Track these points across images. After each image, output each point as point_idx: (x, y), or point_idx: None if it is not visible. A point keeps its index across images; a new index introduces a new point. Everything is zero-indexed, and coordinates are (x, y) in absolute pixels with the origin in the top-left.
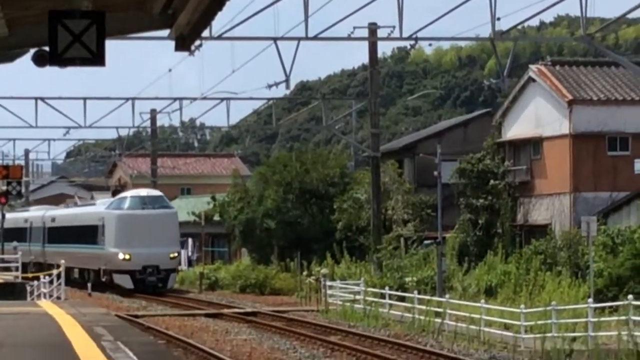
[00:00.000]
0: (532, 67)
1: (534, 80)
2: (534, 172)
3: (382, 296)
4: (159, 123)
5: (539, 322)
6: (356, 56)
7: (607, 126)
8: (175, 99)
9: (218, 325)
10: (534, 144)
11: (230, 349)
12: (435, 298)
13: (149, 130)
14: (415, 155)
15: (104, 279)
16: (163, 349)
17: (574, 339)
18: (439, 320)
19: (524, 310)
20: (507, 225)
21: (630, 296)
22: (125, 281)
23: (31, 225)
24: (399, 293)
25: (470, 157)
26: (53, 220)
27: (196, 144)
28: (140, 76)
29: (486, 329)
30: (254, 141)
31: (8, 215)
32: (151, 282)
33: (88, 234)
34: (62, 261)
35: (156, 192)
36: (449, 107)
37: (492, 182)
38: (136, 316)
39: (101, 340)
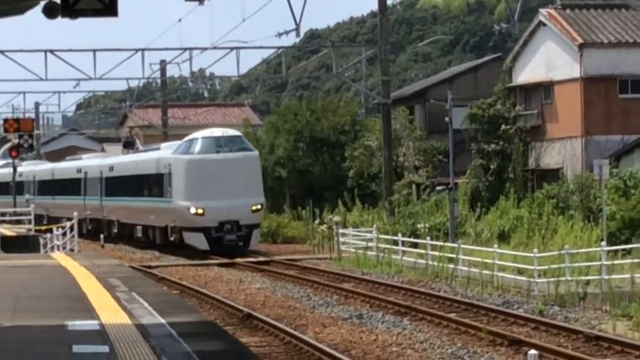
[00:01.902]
0: (542, 10)
1: (544, 24)
2: (545, 116)
3: (395, 243)
4: (168, 74)
5: (552, 266)
6: (365, 3)
7: (618, 69)
8: (185, 49)
9: (232, 275)
10: (545, 88)
11: (244, 297)
12: (448, 244)
13: (159, 81)
14: (425, 102)
15: (172, 238)
16: (177, 299)
17: (587, 282)
18: (452, 266)
19: (537, 255)
20: (519, 170)
21: None
22: (199, 240)
23: (86, 176)
24: (412, 239)
25: (481, 102)
26: (111, 169)
27: (206, 94)
28: (149, 27)
29: (499, 274)
30: (264, 90)
31: (56, 165)
32: (230, 240)
33: (152, 184)
34: (75, 213)
35: (233, 132)
36: (459, 53)
37: (503, 127)
38: (150, 267)
39: (115, 291)
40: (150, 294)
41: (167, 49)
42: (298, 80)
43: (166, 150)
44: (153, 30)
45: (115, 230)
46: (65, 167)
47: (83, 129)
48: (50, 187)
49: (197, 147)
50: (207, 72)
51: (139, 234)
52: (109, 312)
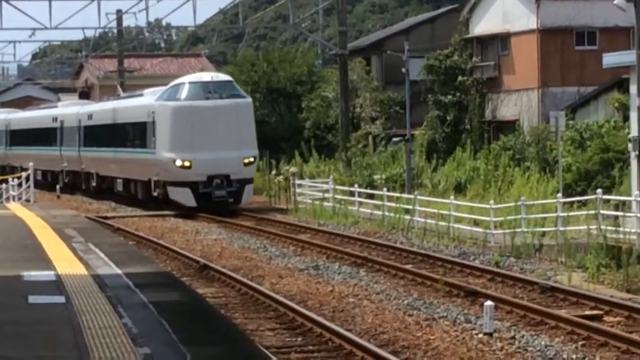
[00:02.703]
0: None
1: None
2: (501, 68)
3: (351, 194)
4: (124, 24)
5: (509, 217)
6: None
7: (574, 21)
8: None
9: (188, 226)
10: (501, 40)
11: (201, 249)
12: (405, 195)
13: (115, 31)
14: (382, 53)
15: (155, 193)
16: (133, 250)
17: (543, 233)
18: (408, 217)
19: (494, 206)
20: (475, 122)
21: (598, 190)
22: (185, 196)
23: (62, 125)
24: (368, 191)
25: (438, 53)
26: (90, 117)
27: (163, 45)
28: None
29: (456, 225)
30: (221, 41)
31: (28, 114)
32: (219, 197)
33: (134, 134)
34: (31, 163)
35: (224, 76)
36: (416, 4)
37: (460, 78)
38: (106, 217)
39: (72, 241)
40: (107, 244)
41: None
42: (255, 31)
43: (149, 97)
44: None
45: (94, 184)
46: (40, 116)
47: (39, 79)
48: (25, 137)
49: (184, 93)
50: (164, 22)
51: (120, 187)
52: (65, 262)
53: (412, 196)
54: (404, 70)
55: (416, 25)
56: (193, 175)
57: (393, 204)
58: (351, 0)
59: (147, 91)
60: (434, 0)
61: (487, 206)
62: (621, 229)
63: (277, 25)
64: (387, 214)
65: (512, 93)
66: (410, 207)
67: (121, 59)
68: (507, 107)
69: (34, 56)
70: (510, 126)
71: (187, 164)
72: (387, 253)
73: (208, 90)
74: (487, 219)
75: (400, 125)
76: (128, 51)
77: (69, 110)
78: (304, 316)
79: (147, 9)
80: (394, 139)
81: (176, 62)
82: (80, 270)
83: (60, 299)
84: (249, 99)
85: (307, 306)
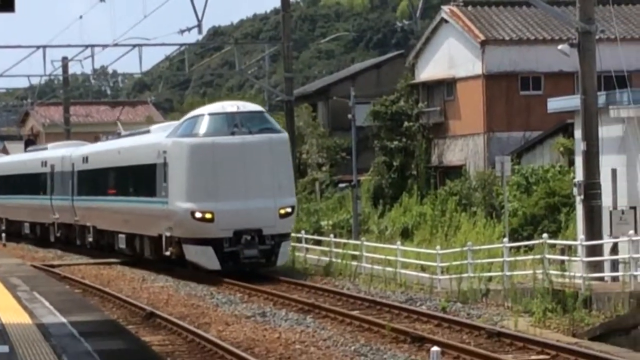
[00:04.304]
0: (445, 7)
1: (446, 21)
2: (447, 113)
3: (299, 240)
4: (70, 71)
5: (455, 262)
6: (268, 0)
7: (519, 66)
8: (86, 46)
9: (135, 273)
10: (447, 85)
11: (147, 296)
12: (352, 241)
13: (61, 78)
14: (329, 99)
15: (167, 253)
16: (79, 298)
17: (489, 278)
18: (355, 263)
19: (440, 252)
20: (421, 167)
21: (544, 235)
22: (206, 257)
23: (53, 170)
24: (315, 237)
25: (384, 99)
26: (85, 160)
27: (109, 92)
28: (51, 23)
29: (403, 271)
30: (167, 87)
31: (15, 158)
32: (250, 257)
33: (140, 179)
34: None
35: (253, 106)
36: (362, 50)
37: (406, 123)
38: (52, 266)
39: (17, 290)
40: (52, 293)
41: (68, 45)
42: (201, 78)
43: (159, 133)
44: (54, 26)
45: (91, 240)
46: (27, 160)
47: None
48: (10, 184)
49: (204, 127)
50: (110, 70)
51: (122, 244)
52: (10, 311)
53: (359, 242)
54: (350, 116)
55: (362, 71)
56: (216, 231)
57: (340, 250)
58: (297, 46)
59: (154, 127)
60: (380, 46)
61: (434, 251)
62: (567, 273)
63: (223, 71)
64: (334, 260)
65: (458, 138)
66: (357, 253)
67: (67, 106)
68: (454, 152)
69: None
70: (456, 171)
71: (208, 216)
72: (334, 299)
73: (234, 123)
74: (434, 264)
75: (346, 171)
76: (74, 98)
77: (61, 152)
78: None
79: (92, 56)
80: (341, 185)
81: (122, 109)
82: (25, 319)
83: (4, 349)
84: (285, 134)
85: (253, 353)
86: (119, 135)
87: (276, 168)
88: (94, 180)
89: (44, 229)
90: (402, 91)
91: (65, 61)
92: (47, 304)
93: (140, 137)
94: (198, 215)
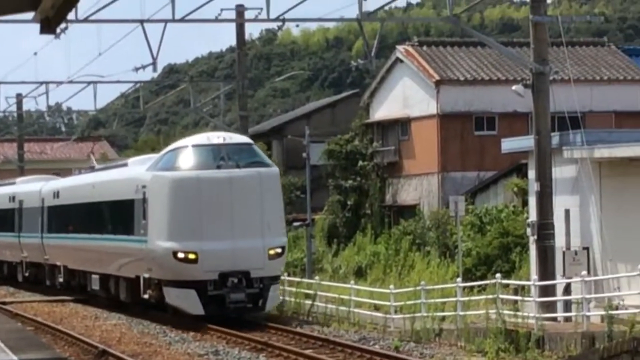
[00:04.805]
0: (400, 47)
1: (401, 61)
2: (402, 153)
3: None
4: (25, 107)
5: (409, 302)
6: (224, 38)
7: (473, 106)
8: (41, 83)
9: (87, 311)
10: (402, 125)
11: (100, 334)
12: (305, 280)
13: (15, 114)
14: (283, 137)
15: (146, 296)
16: (31, 335)
17: (443, 318)
18: (309, 302)
19: (394, 291)
20: (376, 206)
21: (497, 275)
22: (188, 301)
23: (21, 206)
24: None
25: (339, 138)
26: (56, 195)
27: (63, 128)
28: (5, 59)
29: (356, 310)
30: (122, 125)
31: None
32: (236, 301)
33: (116, 216)
34: None
35: (240, 137)
36: (317, 89)
37: (360, 163)
38: (4, 303)
39: None
40: (4, 330)
41: (23, 82)
42: (156, 115)
43: (137, 167)
44: (8, 63)
45: (61, 280)
46: None
47: None
48: None
49: (187, 160)
50: (64, 106)
51: (96, 285)
52: None
53: (312, 281)
54: (304, 154)
55: (317, 110)
56: (200, 273)
57: (294, 289)
58: (253, 84)
59: (132, 160)
60: (336, 85)
61: (387, 291)
62: (520, 313)
63: (179, 109)
64: (287, 299)
65: (412, 178)
66: (311, 292)
67: (21, 143)
68: (408, 192)
69: None
70: (410, 211)
71: (192, 256)
72: (287, 338)
73: (220, 156)
74: (387, 303)
75: (301, 210)
76: (29, 135)
77: (30, 187)
78: None
79: (47, 92)
80: (295, 224)
81: (77, 146)
82: None
83: None
84: (275, 169)
85: None
86: (92, 169)
87: (265, 205)
88: (65, 217)
89: (12, 268)
90: (356, 130)
91: (19, 97)
92: None
93: (117, 170)
94: (181, 255)
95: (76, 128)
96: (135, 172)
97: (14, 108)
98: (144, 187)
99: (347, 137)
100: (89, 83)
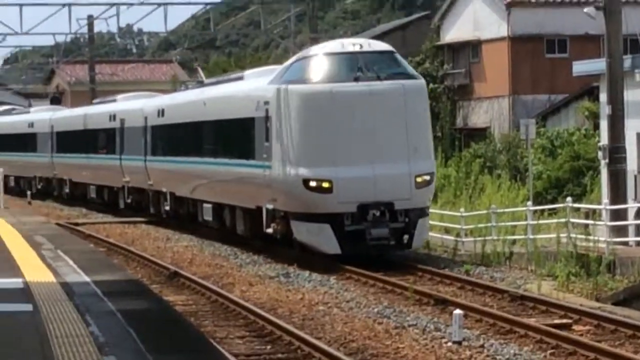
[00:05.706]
0: None
1: None
2: (473, 75)
3: None
4: (96, 29)
5: (479, 225)
6: None
7: (545, 28)
8: (112, 5)
9: (159, 233)
10: (472, 47)
11: (171, 255)
12: None
13: (87, 36)
14: None
15: (270, 230)
16: (103, 257)
17: (513, 241)
18: None
19: (464, 214)
20: (446, 129)
21: (568, 198)
22: (322, 237)
23: (122, 125)
24: None
25: (410, 60)
26: (161, 114)
27: (134, 50)
28: None
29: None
30: (193, 47)
31: (78, 111)
32: (378, 237)
33: (233, 137)
34: (1, 169)
35: (380, 45)
36: (388, 11)
37: (431, 85)
38: (77, 224)
39: (41, 249)
40: (76, 251)
41: (94, 4)
42: (227, 37)
43: (257, 80)
44: None
45: (167, 208)
46: (94, 113)
47: (10, 84)
48: (73, 141)
49: (319, 70)
50: (135, 28)
51: (208, 216)
52: (34, 270)
53: None
54: None
55: (388, 32)
56: (335, 204)
57: None
58: (323, 6)
59: (249, 72)
60: (406, 7)
61: (458, 214)
62: (591, 237)
63: (249, 31)
64: None
65: (483, 100)
66: None
67: (92, 64)
68: (478, 115)
69: (5, 61)
70: (481, 134)
71: (325, 185)
72: (357, 261)
73: (357, 66)
74: (458, 226)
75: None
76: (100, 57)
77: (132, 104)
78: (273, 324)
79: (118, 14)
80: None
81: (148, 67)
82: (49, 277)
83: (28, 307)
84: (422, 81)
85: (276, 314)
86: (201, 84)
87: (411, 124)
88: (171, 138)
89: (113, 194)
90: (427, 53)
91: (90, 19)
92: (70, 262)
93: (231, 84)
94: (312, 184)
95: (147, 50)
96: (254, 86)
97: (85, 30)
98: (266, 103)
99: (418, 60)
100: (159, 5)
